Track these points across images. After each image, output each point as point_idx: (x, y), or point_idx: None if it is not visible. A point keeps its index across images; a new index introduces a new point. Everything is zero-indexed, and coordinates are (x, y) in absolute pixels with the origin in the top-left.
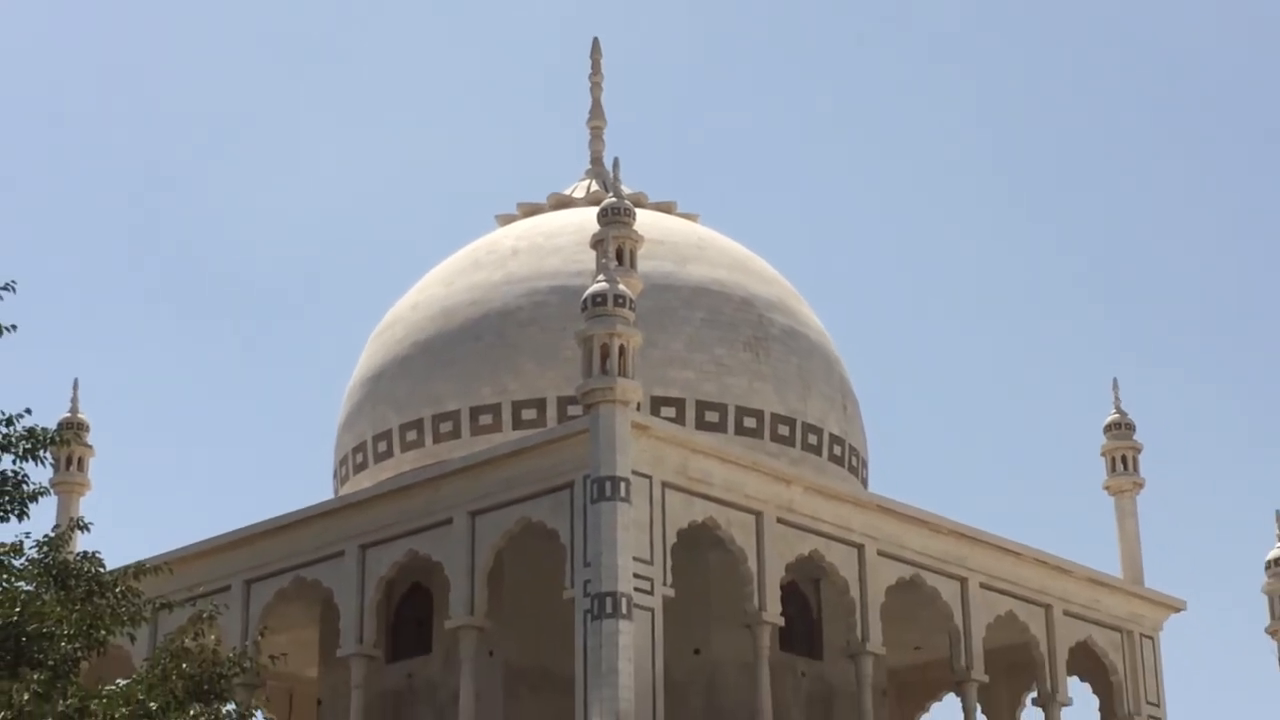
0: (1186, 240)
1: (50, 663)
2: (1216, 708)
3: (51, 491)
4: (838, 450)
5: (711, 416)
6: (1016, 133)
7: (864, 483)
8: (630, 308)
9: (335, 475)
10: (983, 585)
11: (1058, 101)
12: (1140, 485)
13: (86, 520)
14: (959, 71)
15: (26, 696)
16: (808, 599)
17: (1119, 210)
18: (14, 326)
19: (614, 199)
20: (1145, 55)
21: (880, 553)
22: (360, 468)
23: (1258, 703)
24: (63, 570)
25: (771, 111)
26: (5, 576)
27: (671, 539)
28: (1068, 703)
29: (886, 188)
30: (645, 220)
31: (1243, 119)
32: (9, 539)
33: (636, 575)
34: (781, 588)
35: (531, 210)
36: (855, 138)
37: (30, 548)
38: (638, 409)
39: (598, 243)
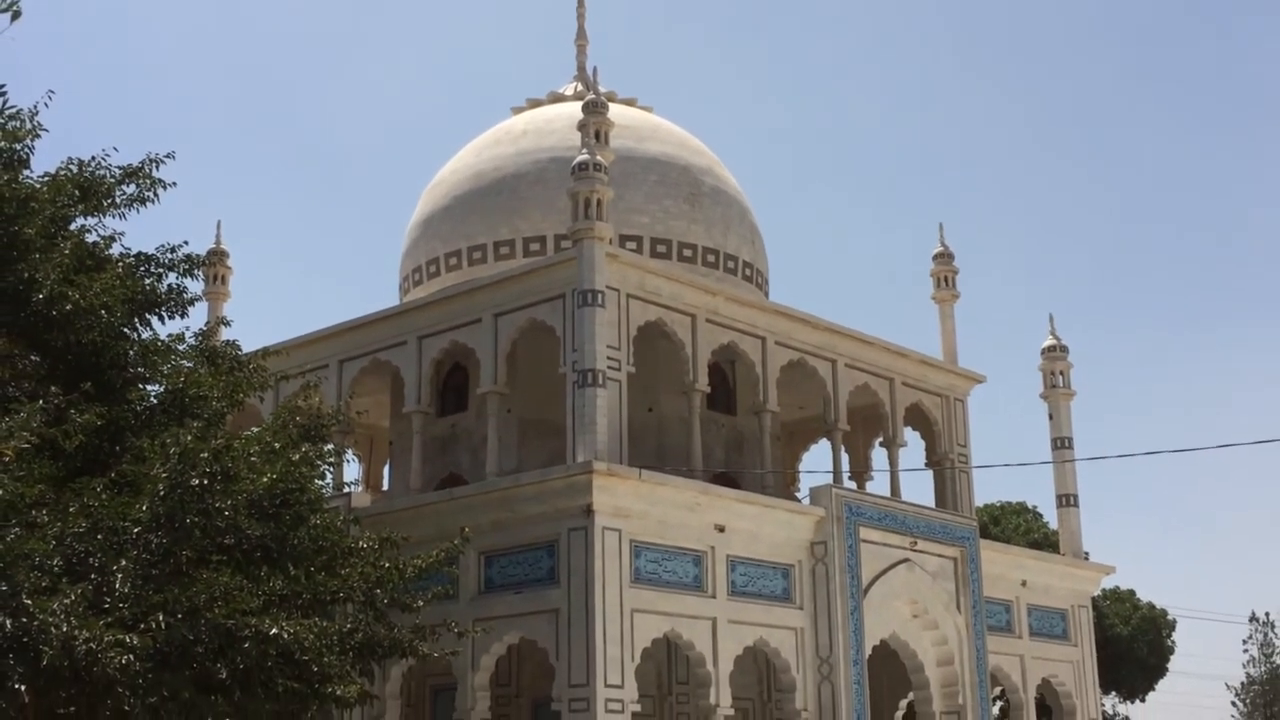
0: (1001, 109)
1: (205, 416)
2: (1008, 446)
3: (203, 299)
4: (749, 272)
5: (661, 249)
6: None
7: (766, 294)
8: (605, 172)
9: (400, 288)
10: (847, 365)
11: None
12: (957, 297)
13: (228, 318)
14: None
15: (190, 438)
16: (726, 374)
17: (952, 91)
18: (174, 183)
19: (593, 96)
20: None
21: (776, 342)
22: (417, 283)
23: (1031, 443)
24: (212, 353)
25: (710, 30)
26: (173, 357)
27: (633, 333)
28: (904, 444)
29: (787, 85)
30: (615, 111)
31: None
32: (176, 331)
33: (608, 357)
34: (709, 366)
35: (536, 104)
36: (766, 46)
37: (190, 337)
38: (610, 243)
39: (582, 127)
